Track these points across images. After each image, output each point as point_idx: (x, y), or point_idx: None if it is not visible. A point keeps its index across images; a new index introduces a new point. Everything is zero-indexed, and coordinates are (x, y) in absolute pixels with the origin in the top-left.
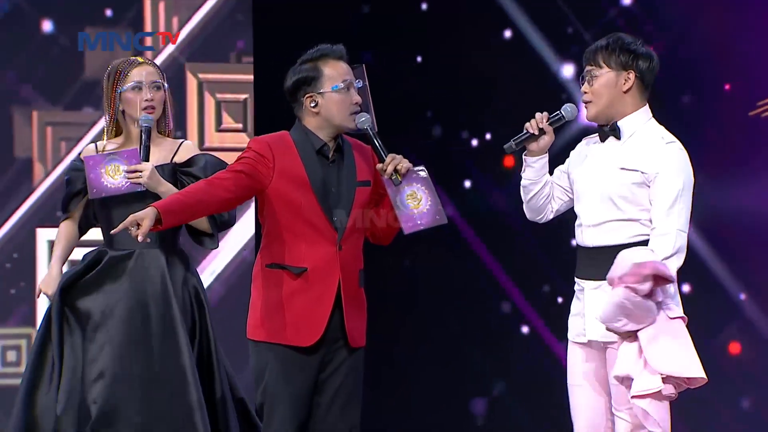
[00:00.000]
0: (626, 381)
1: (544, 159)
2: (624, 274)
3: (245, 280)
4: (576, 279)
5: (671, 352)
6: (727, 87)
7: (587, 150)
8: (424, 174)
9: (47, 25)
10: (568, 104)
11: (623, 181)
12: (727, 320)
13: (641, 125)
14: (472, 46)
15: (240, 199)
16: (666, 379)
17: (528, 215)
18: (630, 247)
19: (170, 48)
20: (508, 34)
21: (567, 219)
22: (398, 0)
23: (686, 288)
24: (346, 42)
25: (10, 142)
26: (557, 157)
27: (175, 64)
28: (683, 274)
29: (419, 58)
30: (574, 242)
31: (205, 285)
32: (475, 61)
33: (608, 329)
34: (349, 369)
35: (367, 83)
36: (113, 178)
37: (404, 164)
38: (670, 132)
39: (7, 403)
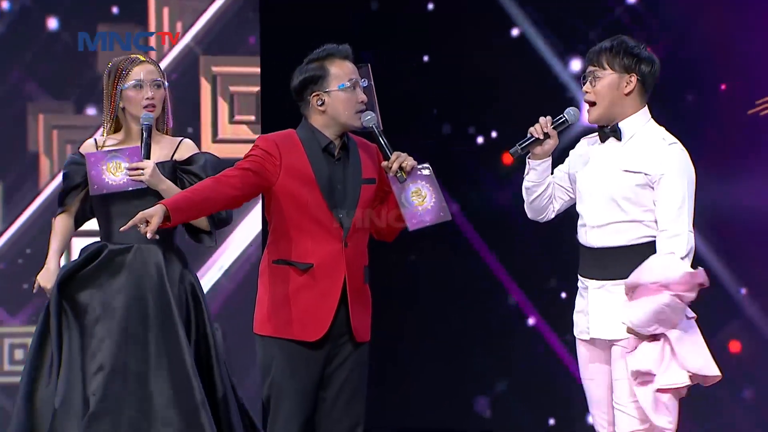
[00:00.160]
0: (646, 376)
1: (548, 162)
2: (671, 282)
3: (252, 276)
4: (579, 277)
5: (695, 350)
6: (723, 87)
7: (588, 151)
8: (428, 171)
9: (52, 23)
10: (571, 108)
11: (627, 183)
12: (728, 319)
13: (641, 126)
14: (478, 46)
15: (247, 197)
16: (692, 377)
17: (530, 215)
18: (634, 248)
19: (184, 42)
20: (515, 32)
21: (569, 217)
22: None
23: None
24: (353, 41)
25: (23, 141)
26: (557, 157)
27: (189, 58)
28: None
29: (426, 58)
30: (575, 240)
31: (213, 280)
32: (481, 60)
33: (631, 332)
34: (355, 364)
35: (372, 82)
36: (114, 175)
37: (409, 162)
38: (670, 131)
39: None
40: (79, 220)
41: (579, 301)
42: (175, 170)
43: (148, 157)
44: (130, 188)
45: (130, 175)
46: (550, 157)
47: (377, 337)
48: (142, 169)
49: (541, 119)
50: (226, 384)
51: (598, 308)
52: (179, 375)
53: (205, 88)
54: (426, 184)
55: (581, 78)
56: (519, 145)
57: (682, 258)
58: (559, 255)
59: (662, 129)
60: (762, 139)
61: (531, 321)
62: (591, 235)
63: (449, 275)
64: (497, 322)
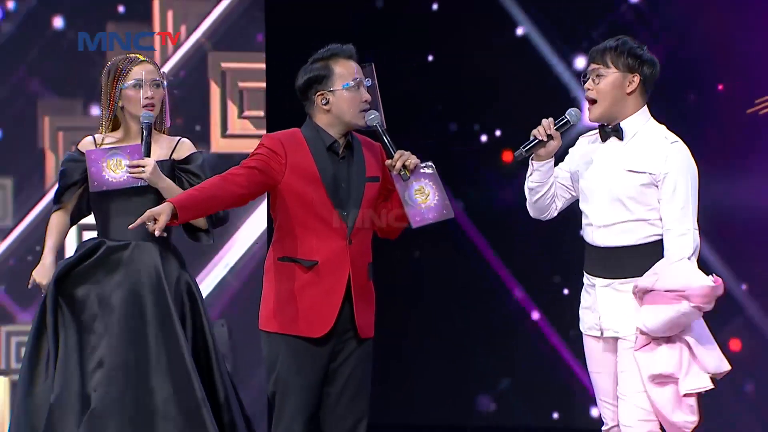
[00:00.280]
0: (667, 378)
1: (551, 162)
2: (693, 294)
3: (258, 273)
4: (586, 274)
5: (710, 351)
6: (720, 87)
7: (590, 150)
8: (431, 170)
9: (58, 22)
10: (572, 109)
11: (631, 183)
12: (727, 317)
13: (642, 125)
14: (482, 45)
15: (253, 195)
16: (711, 378)
17: (532, 214)
18: (641, 248)
19: (194, 38)
20: (519, 32)
21: (571, 215)
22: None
23: None
24: (357, 40)
25: (33, 138)
26: (559, 154)
27: (198, 55)
28: None
29: (430, 57)
30: (577, 237)
31: (219, 278)
32: (485, 59)
33: (644, 333)
34: (359, 359)
35: (376, 82)
36: (115, 172)
37: (412, 160)
38: (670, 130)
39: None
40: (75, 217)
41: (586, 298)
42: (173, 169)
43: (148, 155)
44: (130, 185)
45: (130, 173)
46: (553, 159)
47: (381, 334)
48: (143, 166)
49: (544, 121)
50: (226, 384)
51: (607, 306)
52: (179, 372)
53: (214, 84)
54: (429, 182)
55: (582, 76)
56: (523, 148)
57: (689, 257)
58: (562, 252)
59: (663, 127)
60: (762, 138)
61: (534, 316)
62: (597, 234)
63: (452, 273)
64: (500, 318)
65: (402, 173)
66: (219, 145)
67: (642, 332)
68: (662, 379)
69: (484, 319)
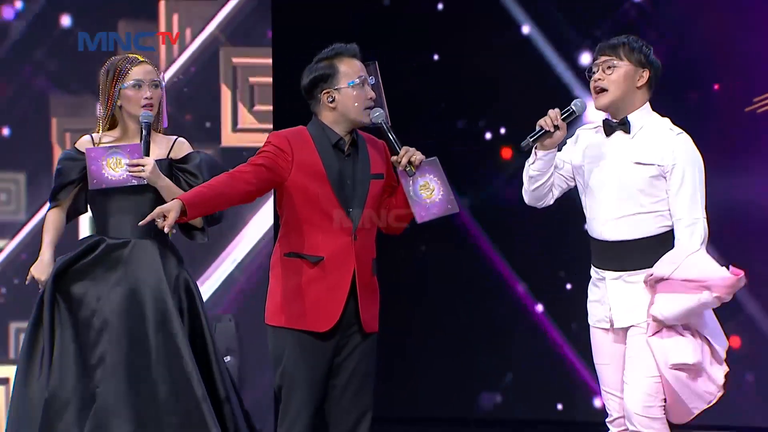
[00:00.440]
0: (692, 366)
1: (554, 153)
2: (715, 284)
3: (264, 269)
4: (595, 268)
5: (721, 339)
6: (716, 87)
7: (594, 145)
8: (436, 165)
9: (65, 20)
10: (578, 99)
11: (640, 175)
12: (727, 315)
13: (646, 119)
14: (487, 44)
15: (260, 192)
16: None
17: (528, 201)
18: (650, 239)
19: (207, 32)
20: (525, 30)
21: (574, 210)
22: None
23: None
24: (362, 39)
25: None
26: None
27: (210, 50)
28: None
29: (435, 57)
30: (579, 232)
31: (227, 273)
32: (489, 59)
33: (658, 320)
34: (363, 353)
35: (379, 80)
36: (114, 170)
37: (417, 156)
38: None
39: None
40: (71, 215)
41: (594, 291)
42: (171, 168)
43: (147, 154)
44: (129, 183)
45: (130, 172)
46: (557, 149)
47: (386, 329)
48: (143, 165)
49: (551, 112)
50: (225, 380)
51: (618, 298)
52: (179, 368)
53: (225, 79)
54: (434, 177)
55: (588, 71)
56: (530, 138)
57: (699, 245)
58: (564, 247)
59: (667, 120)
60: (761, 136)
61: (538, 310)
62: (606, 228)
63: (456, 269)
64: (504, 313)
65: (407, 169)
66: (230, 139)
67: (655, 320)
68: (687, 367)
69: (487, 314)
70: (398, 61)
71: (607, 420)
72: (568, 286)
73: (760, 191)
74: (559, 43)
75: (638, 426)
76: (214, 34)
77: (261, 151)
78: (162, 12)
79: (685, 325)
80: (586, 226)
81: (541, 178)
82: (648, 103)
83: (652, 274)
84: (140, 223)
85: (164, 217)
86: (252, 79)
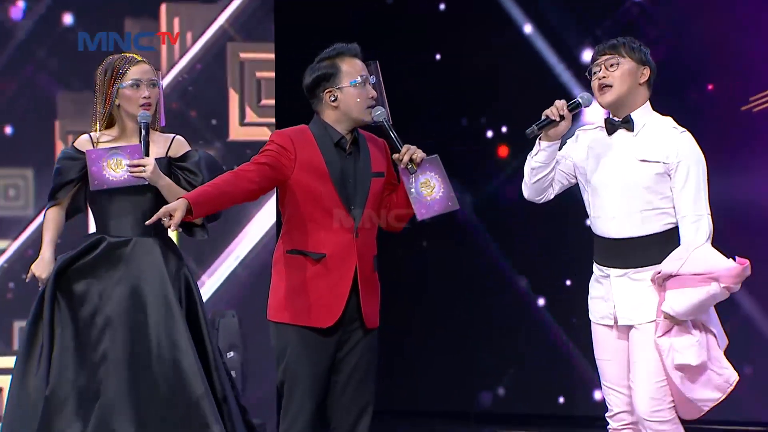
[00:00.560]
0: (697, 368)
1: (557, 144)
2: (722, 275)
3: (267, 265)
4: (597, 265)
5: (724, 337)
6: (710, 87)
7: (596, 144)
8: (437, 163)
9: (68, 18)
10: (584, 92)
11: (645, 173)
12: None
13: (648, 117)
14: (487, 44)
15: (264, 190)
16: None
17: (528, 194)
18: (655, 237)
19: (215, 27)
20: (528, 29)
21: (574, 208)
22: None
23: None
24: (363, 38)
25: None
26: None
27: (217, 47)
28: None
29: (438, 56)
30: (579, 229)
31: (230, 270)
32: (490, 58)
33: (668, 317)
34: (365, 349)
35: (381, 79)
36: (115, 171)
37: (419, 154)
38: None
39: None
40: (70, 213)
41: (597, 288)
42: (170, 166)
43: (147, 154)
44: (130, 184)
45: (131, 172)
46: (560, 141)
47: (387, 325)
48: (143, 166)
49: (557, 102)
50: (222, 376)
51: (623, 296)
52: (181, 365)
53: (232, 74)
54: (435, 175)
55: (588, 71)
56: (535, 126)
57: (704, 241)
58: (564, 244)
59: (669, 118)
60: (757, 135)
61: (538, 306)
62: (611, 225)
63: (457, 266)
64: (504, 308)
65: (409, 167)
66: (237, 133)
67: (666, 316)
68: (690, 368)
69: (488, 310)
70: (399, 61)
71: (607, 414)
72: (568, 282)
73: (757, 190)
74: (559, 42)
75: (649, 430)
76: (224, 28)
77: (264, 150)
78: (163, 14)
79: (694, 322)
80: (588, 223)
81: (543, 170)
82: (648, 102)
83: (659, 272)
84: (147, 222)
85: (170, 216)
86: (258, 74)
